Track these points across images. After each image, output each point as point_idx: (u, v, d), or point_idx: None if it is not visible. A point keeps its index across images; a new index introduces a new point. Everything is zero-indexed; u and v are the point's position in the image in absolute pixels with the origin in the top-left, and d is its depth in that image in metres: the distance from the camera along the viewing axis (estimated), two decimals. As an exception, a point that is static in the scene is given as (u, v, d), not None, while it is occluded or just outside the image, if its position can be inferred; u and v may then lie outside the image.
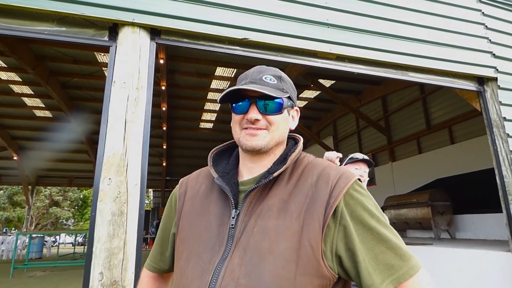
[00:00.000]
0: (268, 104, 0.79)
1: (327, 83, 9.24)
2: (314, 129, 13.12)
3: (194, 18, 2.31)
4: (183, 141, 14.51)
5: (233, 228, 0.74)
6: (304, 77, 8.12)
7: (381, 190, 9.23)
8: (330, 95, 9.20)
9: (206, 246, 0.74)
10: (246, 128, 0.79)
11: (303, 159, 0.85)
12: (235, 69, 8.35)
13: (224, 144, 0.94)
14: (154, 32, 2.27)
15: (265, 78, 0.80)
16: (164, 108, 10.21)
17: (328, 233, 0.70)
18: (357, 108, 10.13)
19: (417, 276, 0.68)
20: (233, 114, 0.83)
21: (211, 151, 0.90)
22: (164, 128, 11.89)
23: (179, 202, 0.89)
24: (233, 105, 0.82)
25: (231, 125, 0.86)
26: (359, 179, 0.77)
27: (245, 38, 2.39)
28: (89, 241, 1.85)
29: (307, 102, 10.72)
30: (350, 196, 0.73)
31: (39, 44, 7.20)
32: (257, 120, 0.78)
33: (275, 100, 0.80)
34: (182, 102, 10.72)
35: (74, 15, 2.08)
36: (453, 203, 6.30)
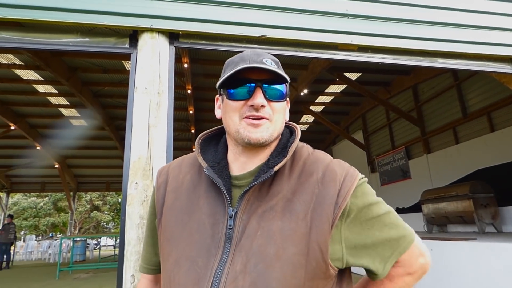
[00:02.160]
0: (274, 90, 0.72)
1: (353, 76, 8.99)
2: (343, 124, 12.82)
3: (210, 19, 2.32)
4: (211, 142, 14.73)
5: (231, 228, 0.67)
6: (328, 72, 7.94)
7: (417, 183, 8.86)
8: (357, 88, 8.94)
9: (200, 249, 0.67)
10: (247, 117, 0.70)
11: (302, 150, 0.78)
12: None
13: (212, 129, 0.85)
14: (173, 36, 2.30)
15: (266, 61, 0.72)
16: (191, 112, 10.39)
17: (336, 233, 0.66)
18: (387, 99, 9.77)
19: (415, 242, 0.77)
20: (228, 102, 0.74)
21: (199, 136, 0.82)
22: (193, 131, 12.12)
23: (158, 193, 0.80)
24: (231, 90, 0.73)
25: (219, 115, 0.78)
26: (362, 177, 0.77)
27: (262, 36, 2.37)
28: (120, 245, 1.90)
29: (333, 97, 10.49)
30: (356, 195, 0.70)
31: (70, 56, 7.58)
32: (263, 106, 0.70)
33: (279, 85, 0.73)
34: (208, 104, 10.87)
35: (96, 25, 2.15)
36: (497, 195, 5.90)
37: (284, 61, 8.34)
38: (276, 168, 0.70)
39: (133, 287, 1.78)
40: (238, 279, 0.61)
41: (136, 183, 1.94)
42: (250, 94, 0.71)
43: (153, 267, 0.85)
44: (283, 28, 2.41)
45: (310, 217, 0.66)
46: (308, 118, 12.30)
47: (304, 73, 8.26)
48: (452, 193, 6.22)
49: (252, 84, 0.71)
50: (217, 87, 0.75)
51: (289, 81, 0.75)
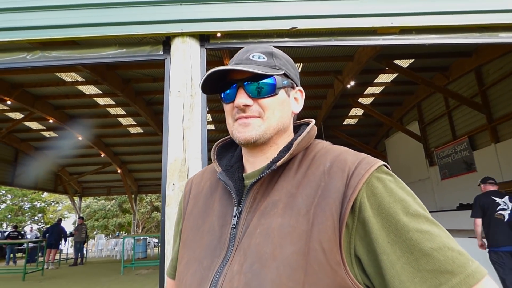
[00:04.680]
0: (259, 86, 0.68)
1: (404, 63, 8.39)
2: (396, 116, 12.06)
3: (239, 17, 2.30)
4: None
5: (234, 228, 0.64)
6: (376, 61, 7.50)
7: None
8: (410, 76, 8.32)
9: (207, 251, 0.66)
10: (238, 119, 0.69)
11: (316, 146, 0.71)
12: (299, 64, 8.16)
13: (230, 136, 0.84)
14: (203, 38, 2.31)
15: (253, 56, 0.69)
16: (236, 112, 10.55)
17: (347, 232, 0.56)
18: (445, 86, 8.96)
19: (479, 286, 0.49)
20: (224, 105, 0.74)
21: (216, 143, 0.81)
22: (237, 132, 12.30)
23: (184, 202, 0.82)
24: (223, 94, 0.72)
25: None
26: (385, 165, 0.61)
27: (293, 28, 2.28)
28: (161, 244, 1.96)
29: (383, 87, 9.89)
30: (373, 186, 0.57)
31: (123, 69, 8.14)
32: (247, 106, 0.67)
33: (266, 80, 0.68)
34: (253, 104, 10.96)
35: (131, 36, 2.24)
36: None
37: (326, 53, 8.13)
38: (279, 163, 0.65)
39: None
40: (234, 280, 0.58)
41: (173, 184, 1.99)
42: (234, 95, 0.69)
43: (174, 272, 0.86)
44: (314, 18, 2.29)
45: (313, 213, 0.58)
46: (357, 112, 11.76)
47: (350, 64, 7.90)
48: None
49: (234, 85, 0.70)
50: (202, 91, 0.74)
51: (280, 72, 0.69)
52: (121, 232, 28.11)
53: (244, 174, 0.74)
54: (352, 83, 8.59)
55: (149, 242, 16.20)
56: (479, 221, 4.36)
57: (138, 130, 12.76)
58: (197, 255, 0.68)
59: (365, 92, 10.06)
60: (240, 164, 0.77)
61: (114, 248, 15.86)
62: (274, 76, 0.69)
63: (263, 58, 0.70)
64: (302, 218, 0.58)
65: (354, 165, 0.60)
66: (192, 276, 0.65)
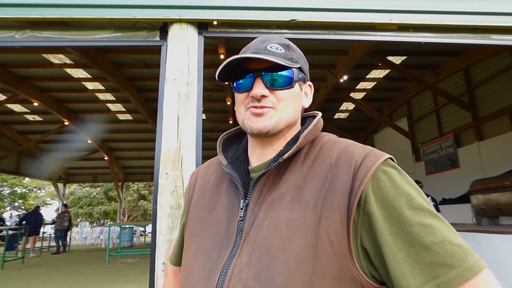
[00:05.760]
0: (276, 77, 0.68)
1: (397, 59, 8.46)
2: (386, 111, 12.21)
3: (239, 6, 2.27)
4: (249, 133, 14.79)
5: (241, 220, 0.65)
6: (369, 56, 7.54)
7: (466, 173, 8.24)
8: (402, 72, 8.40)
9: (215, 243, 0.67)
10: (251, 108, 0.68)
11: (323, 138, 0.72)
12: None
13: (235, 128, 0.84)
14: (201, 26, 2.28)
15: (270, 47, 0.69)
16: (229, 103, 10.50)
17: (353, 225, 0.57)
18: (434, 84, 9.09)
19: (477, 280, 0.50)
20: (236, 94, 0.73)
21: (221, 136, 0.81)
22: (231, 122, 12.26)
23: (189, 193, 0.83)
24: (235, 83, 0.72)
25: (234, 108, 0.77)
26: (391, 158, 0.62)
27: (292, 20, 2.27)
28: (152, 233, 1.95)
29: (375, 82, 9.97)
30: (378, 179, 0.58)
31: (114, 53, 7.95)
32: (263, 96, 0.67)
33: (284, 72, 0.68)
34: (245, 95, 10.89)
35: (127, 19, 2.19)
36: (560, 185, 5.29)
37: (321, 47, 8.13)
38: (285, 156, 0.66)
39: (164, 274, 1.83)
40: (242, 271, 0.59)
41: (167, 173, 1.97)
42: (251, 85, 0.69)
43: (177, 259, 0.90)
44: (315, 10, 2.28)
45: (321, 206, 0.59)
46: (348, 106, 11.85)
47: (344, 59, 7.92)
48: (506, 183, 5.70)
49: (251, 75, 0.69)
50: (217, 79, 0.72)
51: (297, 65, 0.70)
52: (106, 220, 27.85)
53: (250, 167, 0.74)
54: (345, 77, 8.63)
55: (135, 230, 16.11)
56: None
57: (128, 117, 12.56)
58: (204, 246, 0.68)
59: (357, 87, 10.13)
60: (245, 157, 0.77)
61: (99, 237, 15.72)
62: (292, 68, 0.69)
63: (281, 50, 0.70)
64: (310, 211, 0.59)
65: (361, 157, 0.61)
66: (200, 268, 0.66)
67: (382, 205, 0.57)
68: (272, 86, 0.68)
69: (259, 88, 0.67)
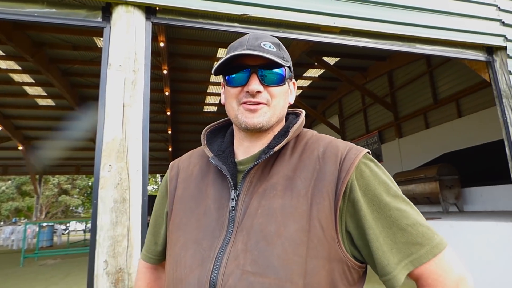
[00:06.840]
0: (270, 75, 0.71)
1: (331, 60, 9.01)
2: (319, 109, 12.95)
3: (189, -6, 2.20)
4: (188, 125, 14.43)
5: (233, 210, 0.68)
6: (307, 55, 7.91)
7: (388, 166, 9.17)
8: (335, 72, 8.99)
9: (206, 232, 0.68)
10: (245, 103, 0.71)
11: (306, 133, 0.78)
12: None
13: (218, 121, 0.86)
14: (149, 11, 2.17)
15: (264, 45, 0.71)
16: (167, 93, 10.09)
17: (339, 211, 0.64)
18: (363, 85, 9.92)
19: (441, 255, 0.62)
20: (227, 88, 0.75)
21: (205, 129, 0.83)
22: (168, 113, 11.82)
23: (170, 186, 0.82)
24: (228, 77, 0.73)
25: (222, 101, 0.78)
26: (368, 153, 0.70)
27: (244, 14, 2.28)
28: (92, 230, 1.82)
29: (311, 81, 10.50)
30: (361, 170, 0.66)
31: (36, 30, 7.06)
32: (258, 92, 0.69)
33: (277, 69, 0.72)
34: (185, 86, 10.59)
35: (64, -5, 1.98)
36: (461, 177, 6.24)
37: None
38: (276, 148, 0.69)
39: (106, 272, 1.72)
40: (239, 258, 0.62)
41: (110, 165, 1.86)
42: (246, 80, 0.71)
43: (153, 256, 0.87)
44: (266, 7, 2.33)
45: (311, 194, 0.65)
46: (285, 102, 12.28)
47: (283, 56, 8.16)
48: (421, 176, 6.51)
49: (247, 70, 0.71)
50: (212, 73, 0.74)
51: (288, 64, 0.73)
52: (18, 218, 24.75)
53: (236, 160, 0.76)
54: (284, 74, 8.91)
55: (56, 229, 14.64)
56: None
57: (49, 102, 11.27)
58: (194, 236, 0.69)
59: (294, 84, 10.54)
60: (231, 150, 0.79)
61: (10, 237, 13.95)
62: (284, 67, 0.72)
63: (273, 48, 0.72)
64: (302, 199, 0.64)
65: (346, 150, 0.68)
66: (192, 257, 0.67)
67: (365, 193, 0.64)
68: (268, 82, 0.71)
69: (255, 84, 0.69)
